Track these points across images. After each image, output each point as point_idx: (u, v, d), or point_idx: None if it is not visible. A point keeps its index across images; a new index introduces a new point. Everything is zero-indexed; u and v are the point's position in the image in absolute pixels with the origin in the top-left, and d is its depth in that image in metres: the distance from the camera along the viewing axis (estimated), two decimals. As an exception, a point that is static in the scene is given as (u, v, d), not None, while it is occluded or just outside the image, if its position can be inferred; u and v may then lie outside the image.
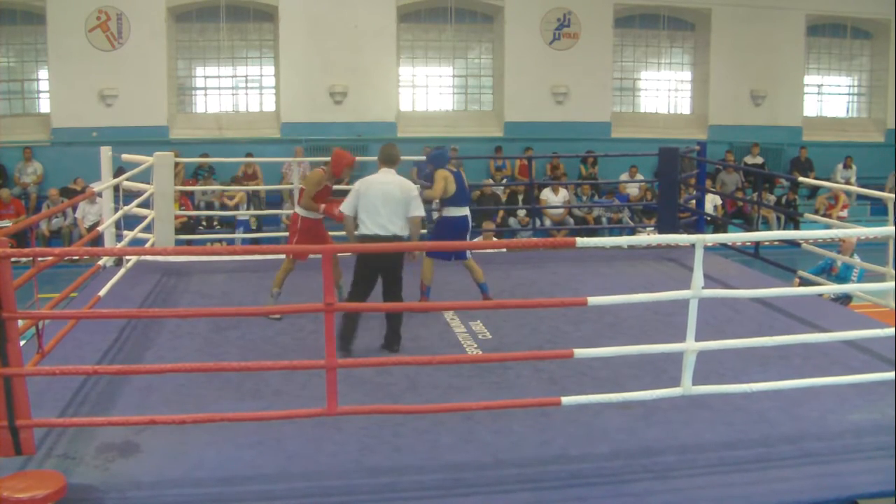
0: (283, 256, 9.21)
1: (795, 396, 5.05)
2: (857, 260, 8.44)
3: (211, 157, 14.77)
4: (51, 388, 5.11)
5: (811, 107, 19.29)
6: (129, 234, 8.51)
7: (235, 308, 7.06)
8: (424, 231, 6.80)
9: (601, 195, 17.05)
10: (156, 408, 4.90)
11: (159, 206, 9.08)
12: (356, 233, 6.08)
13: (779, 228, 16.22)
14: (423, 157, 13.16)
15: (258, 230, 14.35)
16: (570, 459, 4.41)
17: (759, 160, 17.47)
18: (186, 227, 13.76)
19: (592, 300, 4.50)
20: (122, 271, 7.96)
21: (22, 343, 4.23)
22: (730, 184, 17.09)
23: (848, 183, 16.78)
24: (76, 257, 9.72)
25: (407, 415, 4.75)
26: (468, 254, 7.38)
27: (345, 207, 6.12)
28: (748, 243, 9.97)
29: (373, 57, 16.44)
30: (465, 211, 7.39)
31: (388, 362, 4.98)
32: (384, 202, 5.93)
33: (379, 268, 5.97)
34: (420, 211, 6.08)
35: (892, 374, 4.81)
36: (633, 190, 16.41)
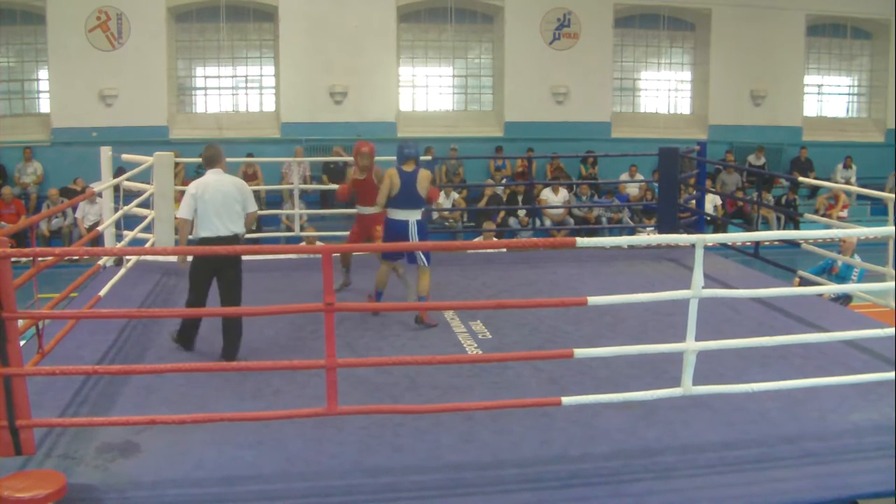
0: (283, 256, 9.22)
1: (795, 396, 5.05)
2: (857, 260, 8.44)
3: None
4: (51, 388, 5.12)
5: (811, 107, 19.29)
6: (129, 234, 8.51)
7: (235, 308, 7.05)
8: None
9: (601, 195, 17.06)
10: (156, 408, 4.90)
11: (159, 206, 9.07)
12: (197, 236, 6.01)
13: (779, 228, 16.23)
14: (429, 158, 13.33)
15: (258, 230, 14.35)
16: (570, 459, 4.41)
17: (762, 161, 17.48)
18: (186, 227, 13.74)
19: (592, 300, 4.50)
20: (122, 271, 7.96)
21: (22, 343, 4.23)
22: (730, 184, 17.09)
23: (848, 183, 16.79)
24: (76, 257, 9.72)
25: (407, 415, 4.75)
26: (420, 259, 6.78)
27: (182, 212, 6.03)
28: (748, 243, 9.97)
29: (373, 57, 16.44)
30: (404, 215, 6.71)
31: (388, 362, 4.98)
32: (224, 202, 5.92)
33: (215, 270, 5.91)
34: (255, 206, 6.14)
35: (892, 374, 4.81)
36: (633, 190, 16.42)
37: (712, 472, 4.32)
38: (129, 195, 9.08)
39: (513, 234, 15.17)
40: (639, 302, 5.16)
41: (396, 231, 6.73)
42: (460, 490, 4.15)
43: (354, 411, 4.52)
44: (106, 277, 7.55)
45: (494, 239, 12.35)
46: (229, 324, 5.93)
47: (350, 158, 16.98)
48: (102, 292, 6.94)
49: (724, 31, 17.86)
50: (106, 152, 8.54)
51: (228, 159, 15.12)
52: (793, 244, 9.26)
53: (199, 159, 15.95)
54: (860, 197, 17.31)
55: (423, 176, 6.75)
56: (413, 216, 6.74)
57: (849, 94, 19.75)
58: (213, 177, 6.07)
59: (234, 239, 5.95)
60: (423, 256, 6.80)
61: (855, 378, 4.97)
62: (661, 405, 4.90)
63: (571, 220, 15.83)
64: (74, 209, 13.87)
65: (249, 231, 6.28)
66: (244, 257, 8.03)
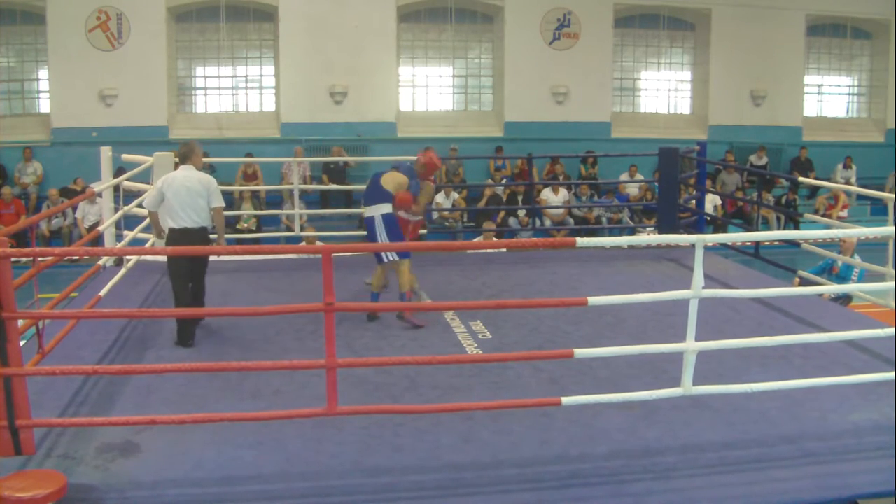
0: (283, 256, 9.20)
1: (795, 396, 5.05)
2: (857, 260, 8.45)
3: (210, 156, 14.74)
4: (51, 388, 5.12)
5: (811, 107, 19.29)
6: (129, 234, 8.52)
7: (235, 308, 7.06)
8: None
9: (601, 195, 17.06)
10: (156, 408, 4.90)
11: (159, 206, 9.07)
12: (167, 226, 6.39)
13: (779, 228, 16.22)
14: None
15: (258, 230, 14.36)
16: (570, 459, 4.41)
17: (765, 160, 17.48)
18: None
19: (592, 300, 4.50)
20: (122, 271, 7.96)
21: (22, 343, 4.23)
22: (730, 184, 17.09)
23: (848, 183, 16.78)
24: (76, 257, 9.72)
25: (407, 415, 4.75)
26: (385, 257, 6.86)
27: (147, 203, 6.58)
28: (748, 243, 9.97)
29: (373, 57, 16.44)
30: (370, 211, 6.90)
31: (388, 362, 4.98)
32: (188, 196, 6.28)
33: (189, 258, 6.37)
34: (219, 202, 6.42)
35: (892, 374, 4.81)
36: (633, 190, 16.42)
37: (712, 472, 4.32)
38: (129, 195, 9.08)
39: (513, 234, 15.17)
40: (639, 302, 5.15)
41: (367, 227, 6.96)
42: (460, 490, 4.15)
43: (354, 411, 4.52)
44: (106, 277, 7.56)
45: (494, 239, 12.35)
46: (195, 302, 6.43)
47: (350, 159, 16.96)
48: (102, 292, 6.94)
49: (724, 31, 17.86)
50: (106, 152, 8.55)
51: (228, 159, 15.10)
52: (793, 244, 9.26)
53: (204, 159, 15.99)
54: (860, 197, 17.30)
55: (390, 176, 7.00)
56: (378, 211, 6.89)
57: (849, 94, 19.75)
58: (182, 172, 6.45)
59: (201, 231, 6.32)
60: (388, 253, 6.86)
61: (855, 378, 4.97)
62: (661, 405, 4.90)
63: (571, 220, 15.83)
64: (74, 209, 13.87)
65: (222, 226, 6.57)
66: (245, 257, 8.12)
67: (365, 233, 7.12)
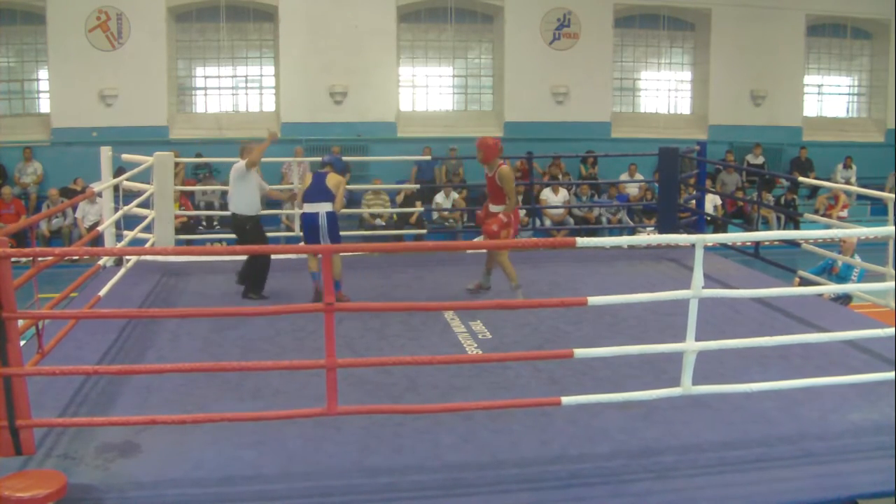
0: (283, 256, 9.21)
1: (795, 396, 5.05)
2: (857, 260, 8.44)
3: (206, 156, 14.69)
4: (51, 388, 5.12)
5: (811, 107, 19.29)
6: (129, 234, 8.52)
7: (235, 308, 7.06)
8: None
9: (601, 195, 17.06)
10: (156, 408, 4.90)
11: (159, 206, 9.08)
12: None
13: (779, 228, 16.22)
14: (428, 158, 13.44)
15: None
16: (570, 459, 4.41)
17: (761, 160, 17.49)
18: (186, 227, 13.76)
19: (592, 300, 4.50)
20: (122, 271, 7.96)
21: (22, 343, 4.23)
22: (730, 184, 17.09)
23: (848, 183, 16.78)
24: (76, 257, 9.72)
25: (407, 415, 4.75)
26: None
27: None
28: (748, 243, 9.97)
29: (373, 57, 16.44)
30: (313, 207, 7.18)
31: (388, 362, 4.98)
32: (231, 186, 7.65)
33: (238, 237, 7.68)
34: (239, 170, 7.45)
35: (892, 374, 4.81)
36: (633, 190, 16.41)
37: (712, 472, 4.32)
38: (129, 195, 9.08)
39: (513, 234, 15.14)
40: (639, 302, 5.15)
41: (309, 222, 7.18)
42: (460, 490, 4.15)
43: (354, 411, 4.52)
44: (106, 277, 7.56)
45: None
46: (249, 266, 7.64)
47: (347, 159, 16.95)
48: (102, 292, 6.94)
49: (724, 31, 17.85)
50: (106, 152, 8.54)
51: (228, 159, 15.14)
52: (793, 244, 9.25)
53: (199, 159, 16.00)
54: (860, 197, 17.30)
55: (331, 177, 7.30)
56: (322, 208, 7.16)
57: (849, 94, 19.74)
58: None
59: (235, 217, 7.58)
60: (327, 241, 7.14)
61: (855, 378, 4.97)
62: (661, 405, 4.90)
63: (571, 220, 15.83)
64: (74, 209, 13.86)
65: (265, 194, 7.87)
66: (245, 257, 8.21)
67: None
